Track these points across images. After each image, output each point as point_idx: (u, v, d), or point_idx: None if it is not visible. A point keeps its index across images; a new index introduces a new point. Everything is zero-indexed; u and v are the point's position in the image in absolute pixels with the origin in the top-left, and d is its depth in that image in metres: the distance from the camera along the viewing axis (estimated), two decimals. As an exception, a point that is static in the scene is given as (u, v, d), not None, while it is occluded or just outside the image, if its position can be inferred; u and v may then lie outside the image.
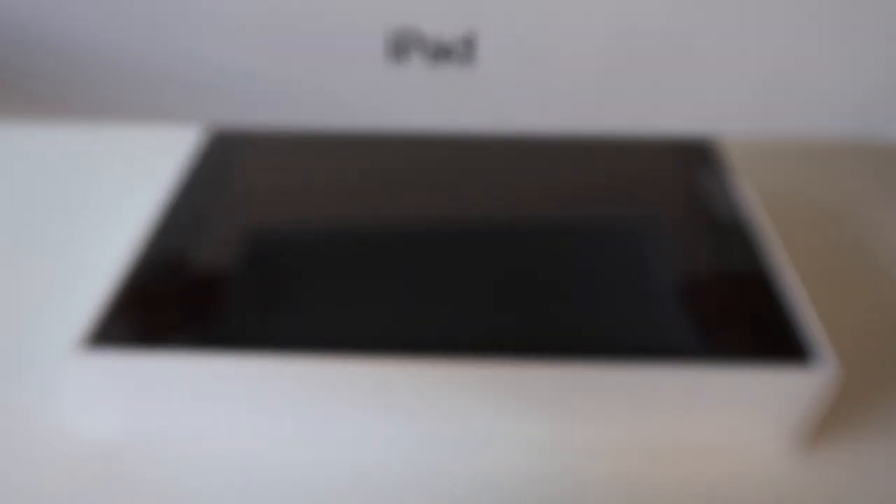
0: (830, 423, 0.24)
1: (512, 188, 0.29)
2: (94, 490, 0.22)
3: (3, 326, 0.28)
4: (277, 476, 0.23)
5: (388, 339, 0.22)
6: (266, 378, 0.22)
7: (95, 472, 0.23)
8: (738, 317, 0.23)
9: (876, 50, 0.18)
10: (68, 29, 0.18)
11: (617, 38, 0.18)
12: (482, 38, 0.18)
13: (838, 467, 0.23)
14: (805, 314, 0.23)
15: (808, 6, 0.17)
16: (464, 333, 0.22)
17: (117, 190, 0.34)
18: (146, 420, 0.23)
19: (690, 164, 0.30)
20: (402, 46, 0.18)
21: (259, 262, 0.25)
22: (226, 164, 0.30)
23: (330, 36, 0.18)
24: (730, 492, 0.23)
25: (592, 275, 0.24)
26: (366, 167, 0.30)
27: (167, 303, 0.23)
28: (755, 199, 0.27)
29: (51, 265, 0.30)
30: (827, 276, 0.29)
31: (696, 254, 0.25)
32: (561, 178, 0.29)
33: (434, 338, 0.22)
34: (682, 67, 0.18)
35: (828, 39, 0.18)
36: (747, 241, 0.26)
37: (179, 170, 0.29)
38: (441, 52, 0.18)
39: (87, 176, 0.35)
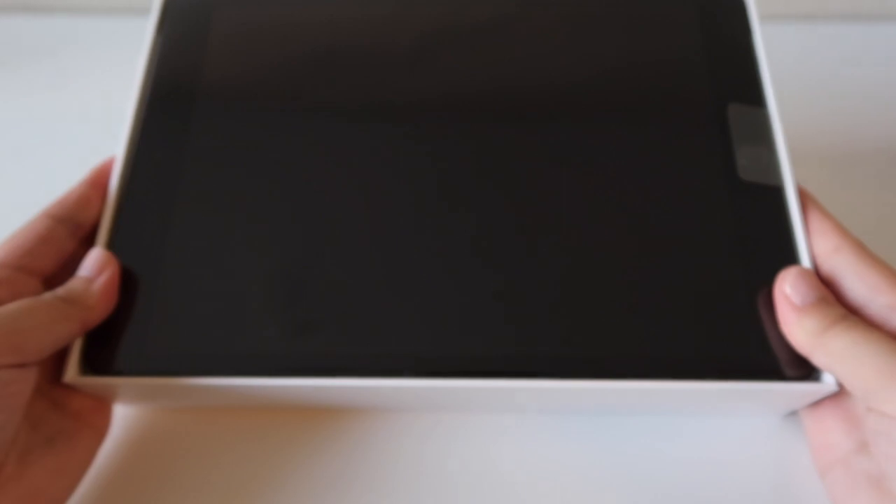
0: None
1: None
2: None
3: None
4: (272, 485, 0.23)
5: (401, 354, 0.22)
6: (263, 398, 0.22)
7: (84, 492, 0.23)
8: (742, 331, 0.22)
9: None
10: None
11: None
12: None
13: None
14: None
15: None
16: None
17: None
18: (133, 442, 0.23)
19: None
20: None
21: (255, 270, 0.23)
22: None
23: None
24: (730, 495, 0.23)
25: (594, 283, 0.23)
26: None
27: (152, 329, 0.22)
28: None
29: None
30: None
31: (703, 268, 0.23)
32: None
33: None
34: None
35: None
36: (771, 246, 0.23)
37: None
38: None
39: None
